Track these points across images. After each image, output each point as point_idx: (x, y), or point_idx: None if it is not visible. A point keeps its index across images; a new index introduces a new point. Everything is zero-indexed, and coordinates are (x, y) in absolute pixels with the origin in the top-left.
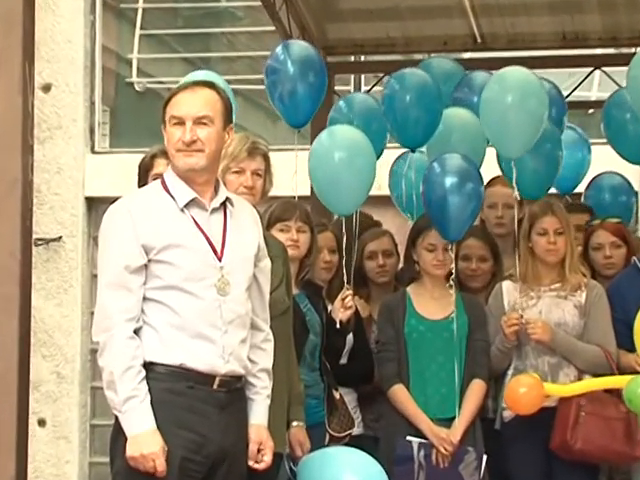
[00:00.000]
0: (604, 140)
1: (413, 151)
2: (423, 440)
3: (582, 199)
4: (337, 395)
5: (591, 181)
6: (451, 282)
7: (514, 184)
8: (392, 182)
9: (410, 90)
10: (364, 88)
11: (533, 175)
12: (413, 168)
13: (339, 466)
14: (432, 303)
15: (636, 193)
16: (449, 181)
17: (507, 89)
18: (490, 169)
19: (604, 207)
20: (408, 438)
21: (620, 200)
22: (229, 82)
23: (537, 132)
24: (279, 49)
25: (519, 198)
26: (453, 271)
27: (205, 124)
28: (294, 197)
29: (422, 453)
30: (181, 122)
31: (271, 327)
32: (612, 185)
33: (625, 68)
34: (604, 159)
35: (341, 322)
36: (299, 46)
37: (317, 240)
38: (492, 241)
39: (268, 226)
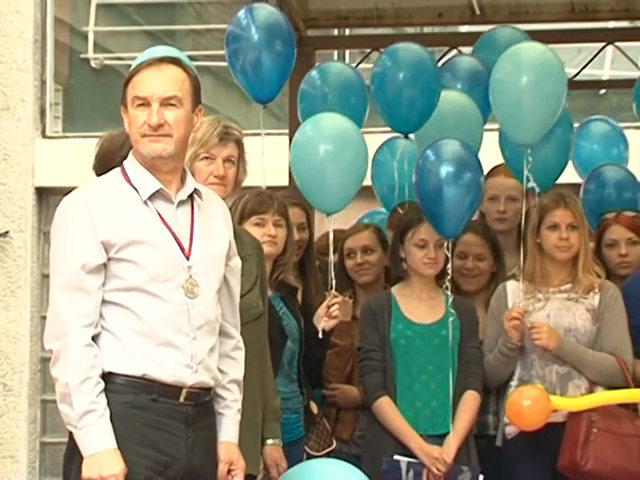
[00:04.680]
0: (621, 125)
1: (406, 136)
2: (412, 459)
3: (581, 193)
4: (315, 409)
5: (591, 173)
6: (446, 283)
7: (526, 174)
8: (375, 173)
9: (404, 67)
10: None
11: (540, 163)
12: (406, 158)
13: None
14: (420, 306)
15: None
16: (445, 170)
17: (522, 68)
18: (486, 157)
19: (606, 203)
20: (395, 457)
21: (625, 196)
22: (197, 58)
23: (555, 116)
24: (242, 13)
25: (529, 189)
26: (449, 271)
27: (173, 105)
28: (271, 187)
29: (411, 474)
30: (146, 103)
31: (243, 334)
32: (615, 179)
33: None
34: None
35: (323, 331)
36: (265, 10)
37: (293, 236)
38: (493, 238)
39: (241, 220)
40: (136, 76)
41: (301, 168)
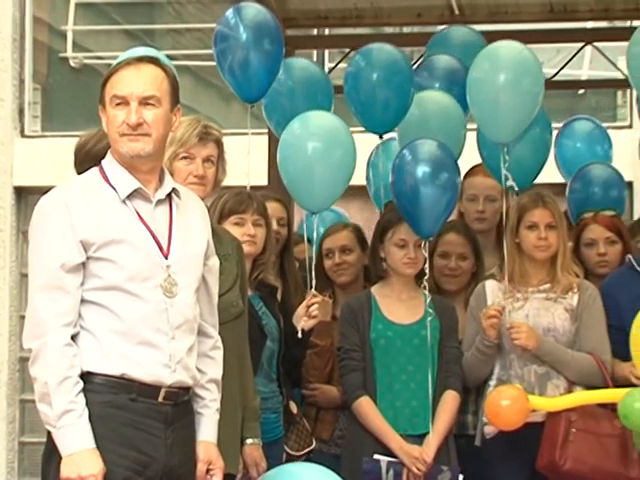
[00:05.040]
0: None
1: (380, 137)
2: (392, 459)
3: (566, 192)
4: (294, 408)
5: (577, 172)
6: (425, 283)
7: (504, 172)
8: (370, 175)
9: (378, 67)
10: (328, 65)
11: (518, 163)
12: (388, 158)
13: None
14: (400, 306)
15: (630, 184)
16: (421, 170)
17: (499, 67)
18: (464, 157)
19: (592, 202)
20: (375, 456)
21: (611, 194)
22: (176, 58)
23: (532, 115)
24: (230, 13)
25: (508, 188)
26: (427, 271)
27: (152, 105)
28: (248, 187)
29: (391, 473)
30: (125, 102)
31: (223, 333)
32: (602, 177)
33: (619, 44)
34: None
35: (303, 331)
36: (253, 9)
37: (272, 236)
38: (474, 237)
39: (220, 219)
40: (114, 75)
41: (288, 166)
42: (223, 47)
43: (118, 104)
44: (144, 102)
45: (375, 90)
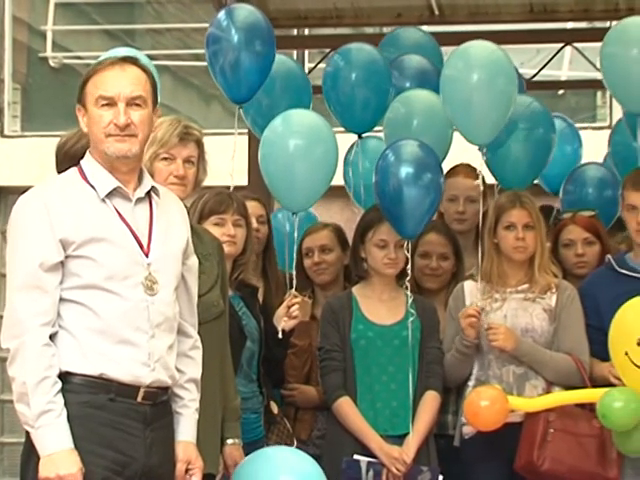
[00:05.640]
0: (579, 125)
1: (360, 136)
2: (372, 459)
3: (560, 194)
4: (275, 409)
5: (571, 173)
6: (406, 283)
7: (480, 173)
8: (348, 174)
9: (356, 67)
10: (308, 65)
11: (515, 163)
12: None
13: (276, 466)
14: (381, 306)
15: None
16: (404, 171)
17: (472, 66)
18: (454, 158)
19: (587, 203)
20: (355, 457)
21: (605, 194)
22: (156, 57)
23: (506, 115)
24: (222, 14)
25: (482, 188)
26: (409, 271)
27: (138, 105)
28: (229, 187)
29: (371, 473)
30: (112, 103)
31: (203, 333)
32: (596, 178)
33: (599, 44)
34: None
35: (283, 332)
36: (244, 11)
37: (253, 236)
38: (454, 237)
39: (200, 219)
40: (98, 75)
41: (270, 164)
42: (215, 49)
43: (105, 104)
44: (131, 103)
45: (354, 90)
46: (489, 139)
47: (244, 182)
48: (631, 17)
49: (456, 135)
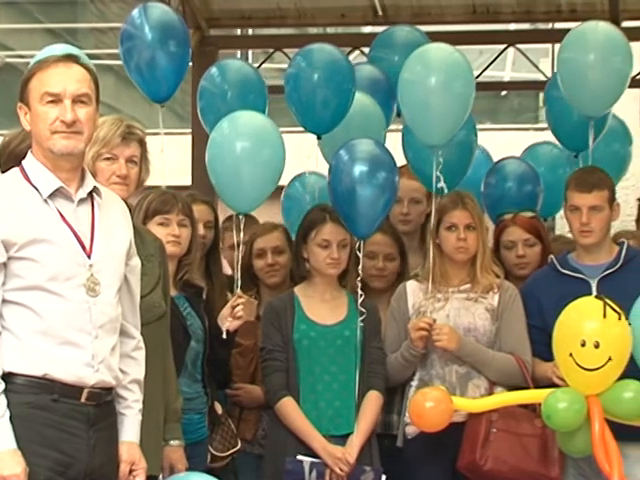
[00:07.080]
0: (516, 126)
1: (319, 137)
2: (315, 459)
3: (482, 187)
4: (219, 409)
5: (492, 168)
6: (358, 283)
7: (436, 175)
8: (286, 206)
9: (318, 68)
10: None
11: (444, 165)
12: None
13: None
14: (323, 306)
15: None
16: (358, 170)
17: (430, 69)
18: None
19: (507, 197)
20: (298, 457)
21: (525, 189)
22: (99, 57)
23: (463, 117)
24: (136, 12)
25: (437, 190)
26: (360, 272)
27: (84, 103)
28: (164, 186)
29: (314, 474)
30: (57, 100)
31: (145, 334)
32: (516, 173)
33: (541, 46)
34: (514, 147)
35: (227, 332)
36: (159, 9)
37: (197, 236)
38: (399, 238)
39: (145, 219)
40: (42, 72)
41: (216, 166)
42: (129, 46)
43: (50, 101)
44: (77, 100)
45: (315, 90)
46: (444, 141)
47: (188, 182)
48: (588, 22)
49: (390, 135)
